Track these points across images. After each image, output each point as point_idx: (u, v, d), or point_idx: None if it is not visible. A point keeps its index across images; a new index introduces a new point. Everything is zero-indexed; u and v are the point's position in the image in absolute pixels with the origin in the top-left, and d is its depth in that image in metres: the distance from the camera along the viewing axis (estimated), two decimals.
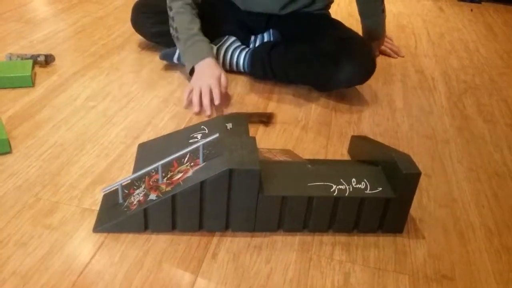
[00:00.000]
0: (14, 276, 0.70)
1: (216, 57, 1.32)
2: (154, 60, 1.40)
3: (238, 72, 1.37)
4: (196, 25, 1.26)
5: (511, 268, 0.80)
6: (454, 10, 2.31)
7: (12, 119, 1.08)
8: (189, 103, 1.19)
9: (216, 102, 1.15)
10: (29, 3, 1.83)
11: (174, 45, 1.31)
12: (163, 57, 1.36)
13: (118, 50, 1.48)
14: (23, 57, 1.31)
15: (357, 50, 1.23)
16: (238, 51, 1.34)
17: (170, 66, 1.39)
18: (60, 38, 1.53)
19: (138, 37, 1.51)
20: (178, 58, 1.33)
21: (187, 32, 1.25)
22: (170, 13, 1.28)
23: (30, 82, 1.21)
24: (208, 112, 1.15)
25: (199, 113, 1.16)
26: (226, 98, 1.22)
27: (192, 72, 1.24)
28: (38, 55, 1.32)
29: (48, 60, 1.33)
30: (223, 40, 1.36)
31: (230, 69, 1.37)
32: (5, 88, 1.20)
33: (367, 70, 1.24)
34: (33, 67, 1.26)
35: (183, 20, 1.26)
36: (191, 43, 1.24)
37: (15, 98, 1.16)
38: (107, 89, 1.25)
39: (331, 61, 1.21)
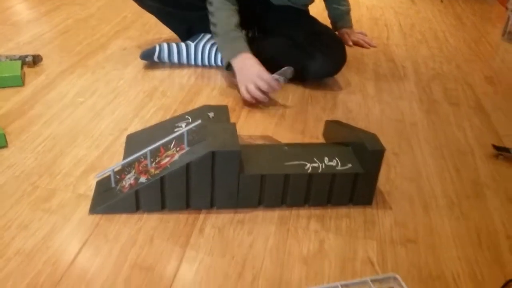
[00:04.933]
0: (18, 255, 0.77)
1: (195, 54, 1.40)
2: (137, 58, 1.47)
3: (217, 67, 1.45)
4: (234, 22, 1.29)
5: (468, 233, 0.89)
6: (425, 1, 2.41)
7: (5, 116, 1.14)
8: (250, 98, 1.26)
9: (275, 89, 1.24)
10: (13, 7, 1.88)
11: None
12: (144, 57, 1.43)
13: (103, 49, 1.54)
14: (11, 58, 1.37)
15: (329, 44, 1.33)
16: (215, 47, 1.42)
17: (152, 64, 1.45)
18: (45, 39, 1.59)
19: (121, 37, 1.57)
20: (158, 57, 1.41)
21: (225, 28, 1.29)
22: (211, 8, 1.31)
23: (20, 82, 1.27)
24: (263, 100, 1.24)
25: (256, 104, 1.26)
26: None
27: (228, 67, 1.30)
28: (26, 56, 1.38)
29: (36, 60, 1.39)
30: (200, 37, 1.44)
31: (208, 64, 1.45)
32: None
33: (337, 62, 1.33)
34: (22, 67, 1.32)
35: (222, 16, 1.30)
36: (230, 38, 1.29)
37: (7, 97, 1.22)
38: (94, 86, 1.32)
39: (304, 53, 1.30)
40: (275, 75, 1.24)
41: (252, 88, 1.23)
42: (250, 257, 0.80)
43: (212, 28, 1.33)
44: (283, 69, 1.25)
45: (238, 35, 1.30)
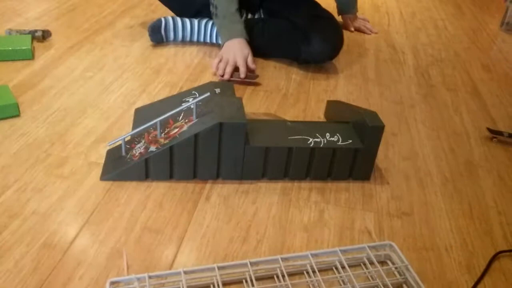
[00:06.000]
0: (34, 215, 0.81)
1: (198, 30, 1.45)
2: (144, 36, 1.50)
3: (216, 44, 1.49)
4: (234, 6, 1.35)
5: (461, 207, 0.94)
6: None
7: (17, 87, 1.17)
8: (217, 69, 1.31)
9: (242, 75, 1.28)
10: None
11: None
12: (151, 31, 1.45)
13: (110, 27, 1.57)
14: (21, 32, 1.39)
15: (326, 27, 1.37)
16: None
17: (158, 42, 1.48)
18: (54, 15, 1.61)
19: (128, 15, 1.60)
20: (165, 29, 1.44)
21: (226, 11, 1.34)
22: None
23: (30, 55, 1.30)
24: (226, 77, 1.28)
25: (221, 78, 1.29)
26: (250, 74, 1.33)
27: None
28: (36, 31, 1.40)
29: (45, 35, 1.41)
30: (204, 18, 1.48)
31: (210, 42, 1.48)
32: (6, 60, 1.29)
33: (334, 46, 1.38)
34: (32, 42, 1.35)
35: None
36: (228, 22, 1.35)
37: (18, 69, 1.25)
38: (102, 61, 1.35)
39: (302, 36, 1.34)
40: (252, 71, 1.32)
41: (231, 63, 1.29)
42: (254, 224, 0.84)
43: (212, 9, 1.37)
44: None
45: (237, 19, 1.35)
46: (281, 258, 0.74)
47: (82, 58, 1.35)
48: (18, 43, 1.31)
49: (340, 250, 0.77)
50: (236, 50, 1.31)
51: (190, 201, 0.88)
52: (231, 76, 1.29)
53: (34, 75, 1.24)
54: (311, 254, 0.75)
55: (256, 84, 1.31)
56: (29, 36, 1.35)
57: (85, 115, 1.10)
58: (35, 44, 1.40)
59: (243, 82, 1.30)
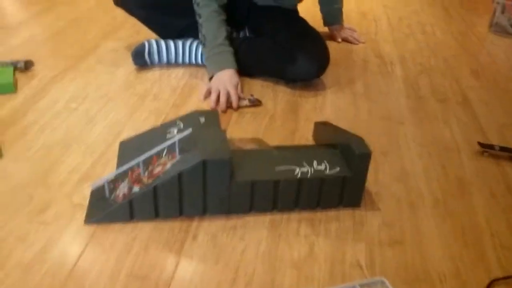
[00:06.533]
0: (18, 267, 0.79)
1: (182, 51, 1.43)
2: (128, 59, 1.48)
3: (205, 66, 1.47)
4: (222, 34, 1.34)
5: (454, 231, 0.92)
6: None
7: None
8: (206, 99, 1.30)
9: (234, 105, 1.27)
10: (2, 9, 1.87)
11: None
12: (135, 57, 1.43)
13: (94, 51, 1.55)
14: (3, 64, 1.37)
15: (312, 45, 1.35)
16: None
17: (143, 66, 1.46)
18: (37, 42, 1.59)
19: (112, 38, 1.58)
20: (149, 53, 1.42)
21: (214, 41, 1.33)
22: (199, 20, 1.34)
23: (12, 89, 1.28)
24: (223, 108, 1.26)
25: (215, 108, 1.27)
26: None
27: (212, 79, 1.34)
28: (18, 62, 1.38)
29: (28, 65, 1.40)
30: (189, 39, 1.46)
31: (195, 63, 1.47)
32: None
33: (321, 64, 1.36)
34: (14, 74, 1.33)
35: (210, 28, 1.33)
36: (217, 51, 1.33)
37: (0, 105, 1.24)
38: (86, 90, 1.33)
39: (288, 55, 1.32)
40: (243, 98, 1.31)
41: (223, 92, 1.27)
42: (243, 264, 0.83)
43: (201, 38, 1.36)
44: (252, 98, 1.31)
45: (226, 49, 1.33)
46: None
47: (66, 88, 1.33)
48: (0, 77, 1.29)
49: None
50: (226, 80, 1.29)
51: (176, 242, 0.86)
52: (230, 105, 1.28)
53: (16, 111, 1.22)
54: None
55: (260, 104, 1.30)
56: (11, 68, 1.33)
57: (69, 151, 1.08)
58: (18, 75, 1.38)
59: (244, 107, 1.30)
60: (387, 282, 0.77)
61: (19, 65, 1.38)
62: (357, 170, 0.92)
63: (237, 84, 1.31)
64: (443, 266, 0.84)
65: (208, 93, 1.30)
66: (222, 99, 1.26)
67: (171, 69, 1.47)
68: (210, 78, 1.34)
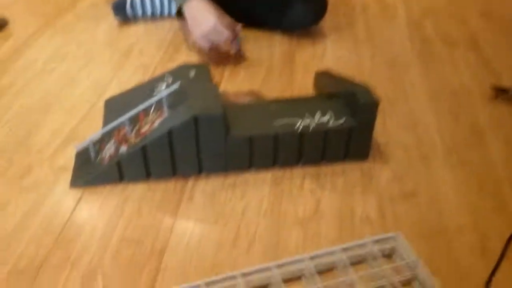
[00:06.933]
0: None
1: (168, 3, 1.31)
2: (110, 15, 1.37)
3: None
4: None
5: (470, 182, 0.86)
6: None
7: None
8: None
9: (233, 51, 1.16)
10: None
11: None
12: (116, 10, 1.32)
13: (71, 8, 1.44)
14: None
15: None
16: None
17: (125, 20, 1.36)
18: None
19: None
20: (131, 6, 1.31)
21: None
22: None
23: None
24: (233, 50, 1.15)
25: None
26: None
27: (179, 13, 1.16)
28: None
29: (2, 23, 1.29)
30: None
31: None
32: None
33: (317, 10, 1.26)
34: None
35: None
36: None
37: None
38: (66, 49, 1.23)
39: (281, 2, 1.22)
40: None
41: (226, 44, 1.14)
42: (244, 223, 0.76)
43: None
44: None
45: None
46: (276, 265, 0.66)
47: (44, 47, 1.23)
48: None
49: (341, 249, 0.69)
50: (205, 22, 1.09)
51: (171, 203, 0.79)
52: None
53: None
54: (310, 257, 0.67)
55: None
56: None
57: (50, 113, 0.99)
58: None
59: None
60: (401, 237, 0.71)
61: None
62: (364, 121, 0.85)
63: (218, 20, 1.09)
64: (460, 219, 0.78)
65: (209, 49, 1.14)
66: (233, 50, 1.15)
67: (157, 22, 1.36)
68: (178, 12, 1.17)
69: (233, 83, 1.10)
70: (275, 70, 1.16)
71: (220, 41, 1.12)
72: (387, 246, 0.71)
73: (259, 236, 0.74)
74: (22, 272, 0.67)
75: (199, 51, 1.20)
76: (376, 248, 0.70)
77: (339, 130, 0.84)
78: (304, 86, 1.10)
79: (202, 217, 0.77)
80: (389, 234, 0.72)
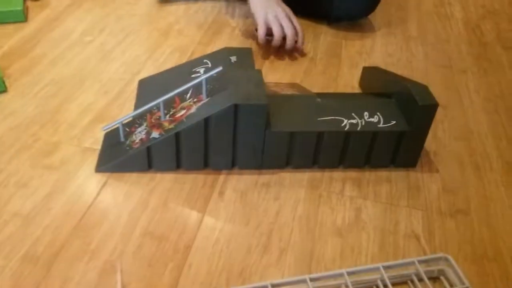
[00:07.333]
0: (16, 217, 0.68)
1: None
2: None
3: (239, 1, 1.29)
4: None
5: None
6: None
7: (6, 57, 1.02)
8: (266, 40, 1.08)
9: (299, 43, 1.07)
10: None
11: None
12: None
13: None
14: None
15: None
16: None
17: None
18: None
19: None
20: None
21: None
22: None
23: (22, 17, 1.15)
24: (292, 41, 1.05)
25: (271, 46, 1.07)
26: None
27: None
28: None
29: None
30: None
31: None
32: None
33: (370, 1, 1.16)
34: (24, 1, 1.19)
35: None
36: None
37: (8, 34, 1.10)
38: (104, 22, 1.18)
39: None
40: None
41: (286, 21, 1.05)
42: (277, 227, 0.70)
43: None
44: None
45: None
46: (310, 278, 0.60)
47: (81, 19, 1.19)
48: (9, 4, 1.15)
49: (383, 267, 0.62)
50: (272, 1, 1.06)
51: (200, 198, 0.74)
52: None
53: (26, 41, 1.08)
54: (347, 272, 0.61)
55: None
56: None
57: (82, 88, 0.95)
58: (29, 3, 1.23)
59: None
60: (451, 259, 0.63)
61: None
62: (418, 125, 0.77)
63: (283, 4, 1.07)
64: None
65: (265, 30, 1.06)
66: (289, 32, 1.04)
67: (198, 3, 1.30)
68: None
69: (273, 73, 1.04)
70: (319, 63, 1.09)
71: (279, 33, 1.05)
72: (434, 268, 0.64)
73: (292, 244, 0.68)
74: (38, 258, 0.63)
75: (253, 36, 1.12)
76: (421, 269, 0.63)
77: (389, 132, 0.77)
78: (349, 82, 1.03)
79: (232, 216, 0.71)
80: (438, 255, 0.65)
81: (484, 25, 1.32)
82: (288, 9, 1.07)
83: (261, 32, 1.06)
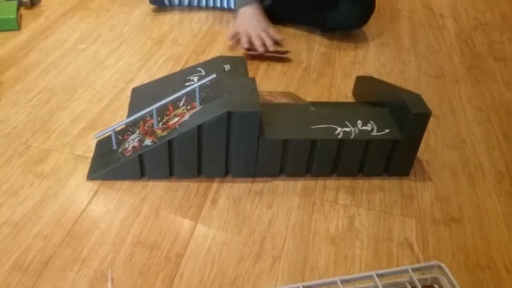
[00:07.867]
0: (6, 225, 0.67)
1: None
2: (145, 1, 1.32)
3: (232, 11, 1.30)
4: None
5: None
6: None
7: None
8: (236, 43, 1.15)
9: (271, 48, 1.11)
10: None
11: None
12: (153, 0, 1.28)
13: None
14: None
15: None
16: None
17: (161, 8, 1.30)
18: None
19: None
20: None
21: None
22: None
23: (15, 25, 1.15)
24: (262, 50, 1.10)
25: (248, 48, 1.11)
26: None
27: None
28: None
29: (34, 1, 1.25)
30: None
31: (220, 7, 1.30)
32: None
33: (366, 9, 1.18)
34: (18, 9, 1.19)
35: None
36: None
37: (1, 43, 1.10)
38: (98, 31, 1.18)
39: (328, 1, 1.15)
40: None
41: (256, 36, 1.11)
42: (270, 236, 0.69)
43: None
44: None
45: None
46: (303, 286, 0.60)
47: (75, 28, 1.19)
48: (3, 12, 1.15)
49: (377, 274, 0.62)
50: (253, 23, 1.14)
51: (192, 206, 0.73)
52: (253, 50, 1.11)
53: (18, 49, 1.08)
54: (341, 280, 0.61)
55: (287, 60, 1.12)
56: (15, 3, 1.19)
57: (74, 96, 0.94)
58: (23, 11, 1.23)
59: (272, 58, 1.12)
60: (445, 268, 0.63)
61: (24, 0, 1.23)
62: (411, 133, 0.77)
63: (267, 27, 1.15)
64: (510, 252, 0.70)
65: (234, 37, 1.14)
66: (257, 42, 1.10)
67: (192, 12, 1.31)
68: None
69: (267, 82, 1.04)
70: (313, 73, 1.09)
71: (261, 33, 1.12)
72: (428, 275, 0.64)
73: (286, 252, 0.67)
74: (27, 267, 0.62)
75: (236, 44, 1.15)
76: (415, 277, 0.63)
77: (382, 141, 0.77)
78: (342, 91, 1.03)
79: (225, 224, 0.71)
80: (432, 263, 0.64)
81: (476, 36, 1.33)
82: (264, 33, 1.13)
83: (228, 37, 1.15)
